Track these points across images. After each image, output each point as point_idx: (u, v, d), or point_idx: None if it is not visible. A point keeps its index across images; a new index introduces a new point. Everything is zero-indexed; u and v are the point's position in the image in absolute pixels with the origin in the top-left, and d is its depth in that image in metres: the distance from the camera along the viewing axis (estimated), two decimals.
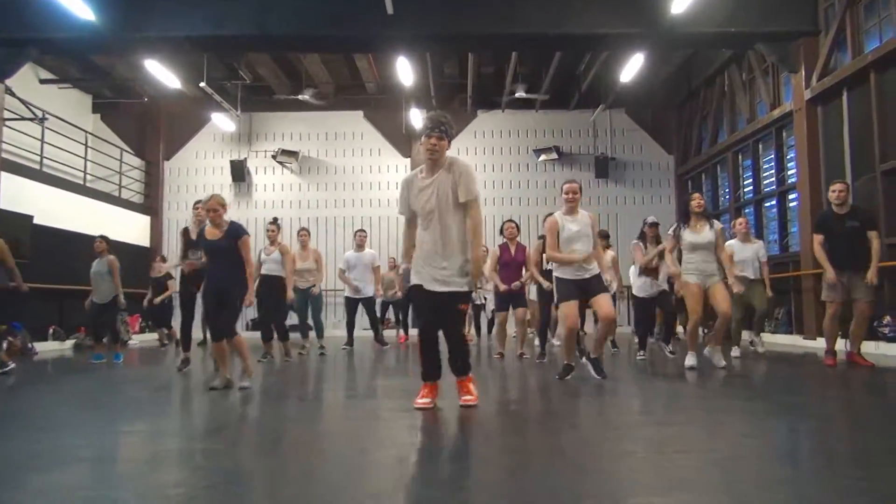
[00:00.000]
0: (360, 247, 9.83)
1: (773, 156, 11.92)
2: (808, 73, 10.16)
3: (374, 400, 5.20)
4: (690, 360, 6.50)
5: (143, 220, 15.87)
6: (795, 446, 3.42)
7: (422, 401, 4.27)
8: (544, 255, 7.31)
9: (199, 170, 16.39)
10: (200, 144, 16.48)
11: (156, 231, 16.10)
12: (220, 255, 5.54)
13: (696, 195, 6.73)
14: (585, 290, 5.69)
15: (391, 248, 15.44)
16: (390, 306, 12.95)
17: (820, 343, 9.71)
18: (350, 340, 9.98)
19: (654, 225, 7.82)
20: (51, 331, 11.83)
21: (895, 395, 5.36)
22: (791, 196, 11.38)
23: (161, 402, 5.31)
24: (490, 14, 10.09)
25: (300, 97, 14.61)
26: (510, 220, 8.16)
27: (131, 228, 15.09)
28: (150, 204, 16.13)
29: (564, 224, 5.72)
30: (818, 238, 6.65)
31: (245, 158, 16.13)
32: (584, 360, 6.69)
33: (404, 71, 12.50)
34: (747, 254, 8.24)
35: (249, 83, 14.84)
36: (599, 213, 14.35)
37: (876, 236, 6.47)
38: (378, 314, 10.78)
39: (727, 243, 7.80)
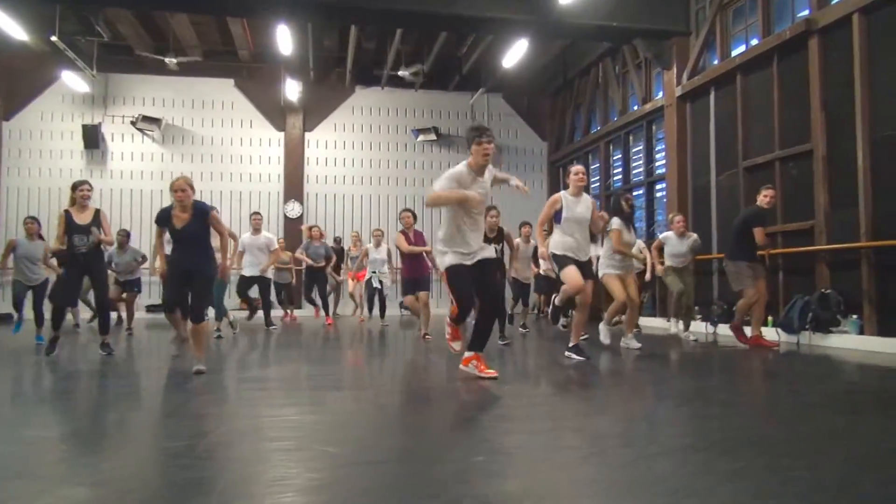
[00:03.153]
0: (256, 230, 9.80)
1: (642, 147, 12.56)
2: (680, 71, 10.76)
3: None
4: (605, 337, 7.49)
5: None
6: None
7: (490, 371, 4.82)
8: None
9: (45, 133, 14.76)
10: (47, 105, 14.81)
11: None
12: (189, 239, 5.38)
13: (629, 196, 7.76)
14: (580, 271, 5.99)
15: (265, 227, 14.77)
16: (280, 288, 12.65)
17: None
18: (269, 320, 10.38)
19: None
20: None
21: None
22: (658, 186, 12.05)
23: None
24: None
25: (166, 60, 13.49)
26: (407, 210, 8.49)
27: None
28: None
29: (569, 205, 6.00)
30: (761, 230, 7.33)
31: (100, 123, 14.71)
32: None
33: (283, 40, 11.88)
34: (684, 248, 8.40)
35: (107, 41, 13.49)
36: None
37: None
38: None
39: (663, 235, 8.69)
